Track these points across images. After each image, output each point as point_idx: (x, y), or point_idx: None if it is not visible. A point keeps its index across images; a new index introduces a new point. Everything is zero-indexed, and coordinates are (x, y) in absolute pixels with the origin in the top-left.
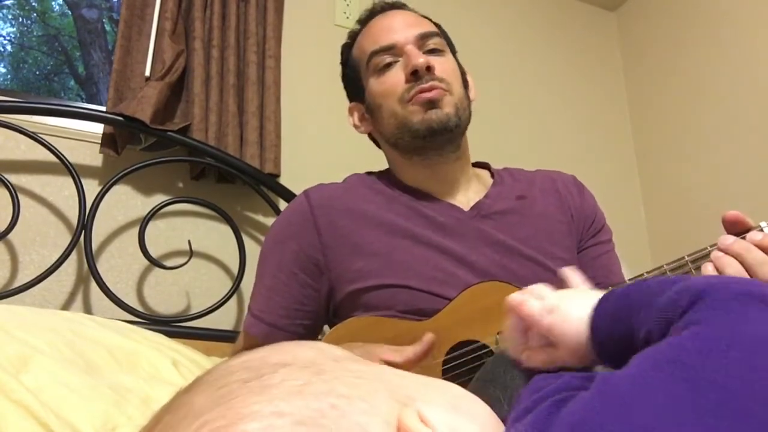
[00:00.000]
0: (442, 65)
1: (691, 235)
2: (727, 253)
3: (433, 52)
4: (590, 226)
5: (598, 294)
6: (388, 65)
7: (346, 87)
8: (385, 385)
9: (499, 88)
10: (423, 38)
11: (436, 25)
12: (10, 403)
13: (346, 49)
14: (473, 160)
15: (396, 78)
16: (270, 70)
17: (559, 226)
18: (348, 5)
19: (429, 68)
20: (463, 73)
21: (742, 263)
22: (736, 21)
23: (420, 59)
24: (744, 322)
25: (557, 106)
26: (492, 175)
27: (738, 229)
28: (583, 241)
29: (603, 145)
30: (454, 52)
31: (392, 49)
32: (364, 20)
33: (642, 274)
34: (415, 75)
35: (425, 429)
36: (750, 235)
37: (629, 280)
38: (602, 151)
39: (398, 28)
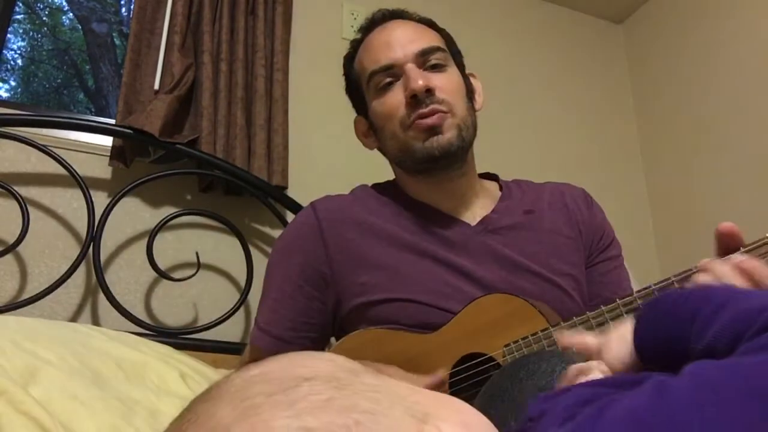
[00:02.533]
0: (443, 83)
1: (700, 245)
2: (701, 269)
3: (434, 68)
4: (599, 241)
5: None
6: (389, 84)
7: (350, 99)
8: (402, 401)
9: (507, 100)
10: (423, 54)
11: (440, 30)
12: (19, 414)
13: (348, 61)
14: (482, 170)
15: (396, 100)
16: (278, 83)
17: (566, 241)
18: (355, 19)
19: (429, 90)
20: (468, 84)
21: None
22: (742, 33)
23: (419, 82)
24: None
25: (565, 118)
26: (500, 188)
27: (728, 240)
28: (592, 256)
29: (611, 157)
30: (459, 60)
31: (391, 69)
32: (365, 29)
33: (649, 287)
34: (414, 98)
35: None
36: (731, 258)
37: (636, 292)
38: (610, 163)
39: (397, 44)
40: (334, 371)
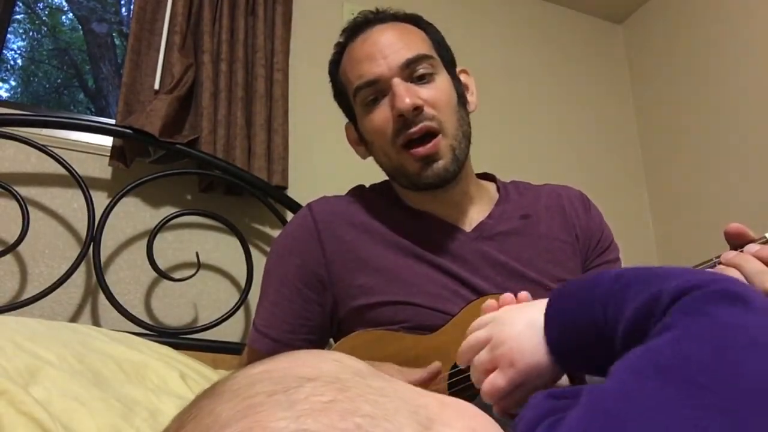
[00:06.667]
0: (432, 97)
1: (699, 245)
2: (728, 265)
3: (421, 79)
4: (596, 245)
5: (541, 302)
6: (375, 100)
7: (339, 105)
8: (407, 405)
9: (507, 101)
10: (409, 65)
11: (426, 26)
12: (20, 415)
13: (334, 66)
14: (481, 171)
15: (384, 117)
16: (278, 83)
17: (563, 246)
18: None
19: (417, 108)
20: (459, 87)
21: (742, 273)
22: (743, 33)
23: (406, 100)
24: (717, 324)
25: (565, 118)
26: (498, 189)
27: (740, 240)
28: (589, 260)
29: (611, 157)
30: (447, 60)
31: (376, 84)
32: (349, 33)
33: None
34: (402, 117)
35: None
36: (747, 247)
37: None
38: (610, 163)
39: (380, 56)
40: (338, 372)
